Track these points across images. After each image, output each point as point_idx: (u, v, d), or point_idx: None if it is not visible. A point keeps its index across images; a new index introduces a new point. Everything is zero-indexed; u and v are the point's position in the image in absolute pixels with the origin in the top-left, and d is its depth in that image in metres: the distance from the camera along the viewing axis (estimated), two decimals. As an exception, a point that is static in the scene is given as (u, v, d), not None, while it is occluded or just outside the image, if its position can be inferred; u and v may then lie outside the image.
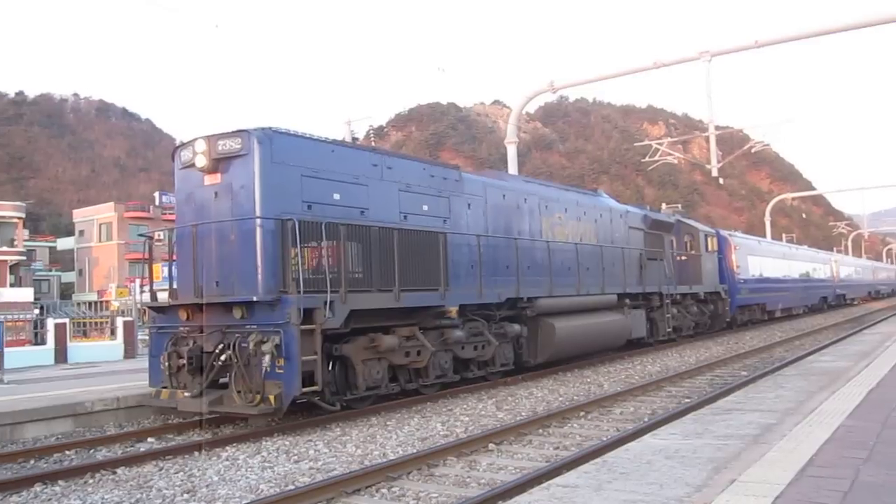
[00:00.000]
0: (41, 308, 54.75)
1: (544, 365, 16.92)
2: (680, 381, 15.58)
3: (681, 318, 24.37)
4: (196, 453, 9.78)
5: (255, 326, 10.70)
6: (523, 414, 12.04)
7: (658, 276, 22.73)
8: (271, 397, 10.35)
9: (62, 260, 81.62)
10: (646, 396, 13.66)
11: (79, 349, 26.64)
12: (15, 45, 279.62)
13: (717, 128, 26.92)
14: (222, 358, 10.75)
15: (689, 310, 25.32)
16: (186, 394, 11.12)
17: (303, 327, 10.56)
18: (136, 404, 12.45)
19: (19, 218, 68.02)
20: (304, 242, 10.96)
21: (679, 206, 37.95)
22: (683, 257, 25.48)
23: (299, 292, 10.58)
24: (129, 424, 12.20)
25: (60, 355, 25.65)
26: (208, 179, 11.55)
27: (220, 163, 11.36)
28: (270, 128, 11.40)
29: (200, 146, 11.37)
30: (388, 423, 11.58)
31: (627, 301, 20.42)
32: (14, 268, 65.84)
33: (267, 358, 10.33)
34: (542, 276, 16.72)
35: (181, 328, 11.63)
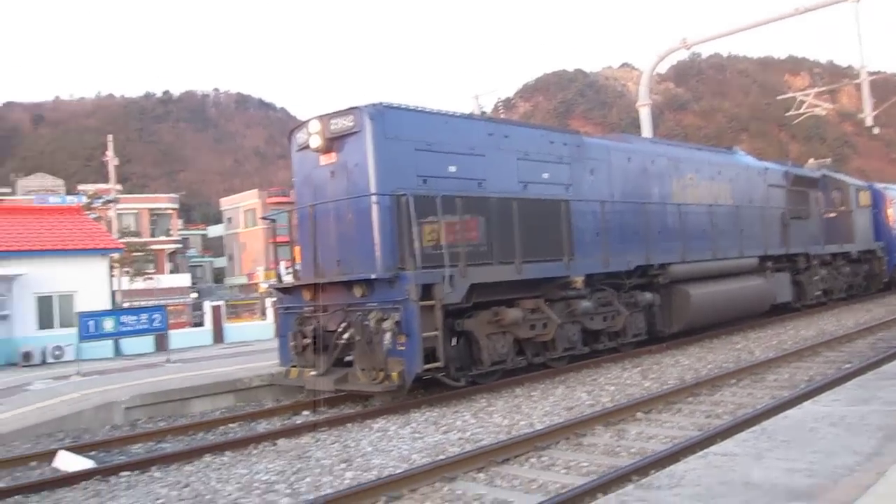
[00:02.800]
0: (197, 292, 58.29)
1: (680, 334, 16.14)
2: (838, 345, 14.61)
3: (831, 280, 22.71)
4: (349, 425, 10.09)
5: (375, 304, 10.66)
6: (670, 382, 11.67)
7: (803, 235, 21.20)
8: (394, 374, 10.30)
9: (213, 246, 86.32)
10: (801, 362, 12.87)
11: (234, 329, 28.08)
12: (159, 47, 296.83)
13: (869, 73, 24.77)
14: (345, 336, 10.80)
15: (841, 270, 23.53)
16: (313, 372, 11.25)
17: (422, 303, 10.42)
18: (268, 383, 12.78)
19: (173, 209, 72.61)
20: (421, 217, 10.80)
21: (828, 160, 35.31)
22: (832, 214, 23.63)
23: (417, 268, 10.45)
24: (285, 398, 12.68)
25: (218, 335, 27.14)
26: (324, 159, 11.59)
27: (334, 142, 11.37)
28: (381, 103, 11.27)
29: (314, 126, 11.40)
30: (533, 393, 11.53)
31: (769, 264, 19.16)
32: (171, 256, 70.42)
33: (388, 335, 10.28)
34: (674, 241, 15.89)
35: (305, 308, 11.78)
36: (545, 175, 13.41)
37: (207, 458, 8.79)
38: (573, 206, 13.42)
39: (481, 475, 7.22)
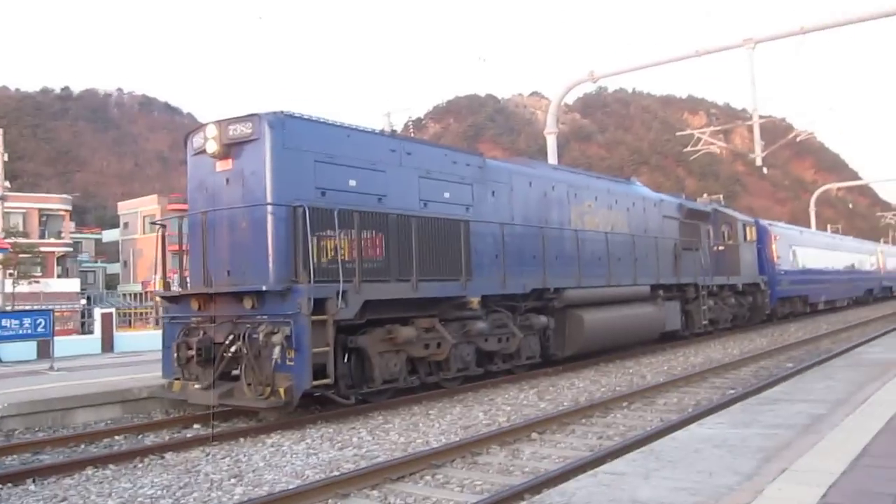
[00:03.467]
0: (88, 299, 55.70)
1: (573, 358, 16.39)
2: (724, 372, 15.28)
3: (718, 311, 23.58)
4: (241, 440, 9.89)
5: (265, 317, 10.36)
6: (566, 404, 11.91)
7: (694, 266, 21.97)
8: (281, 390, 10.00)
9: (107, 251, 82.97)
10: (689, 387, 13.37)
11: (125, 338, 26.86)
12: (60, 41, 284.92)
13: (760, 117, 26.03)
14: (232, 349, 10.44)
15: (727, 301, 24.49)
16: (197, 386, 10.83)
17: (314, 318, 10.18)
18: (148, 396, 12.25)
19: (66, 211, 69.21)
20: (317, 230, 10.59)
21: (720, 197, 36.88)
22: (721, 247, 24.61)
23: (310, 282, 10.22)
24: (176, 411, 12.22)
25: (107, 344, 25.86)
26: (220, 165, 11.23)
27: (231, 148, 11.04)
28: (283, 111, 11.04)
29: (211, 131, 11.05)
30: (430, 412, 11.55)
31: (661, 292, 19.74)
32: (61, 259, 67.06)
33: (277, 350, 9.98)
34: (571, 266, 16.16)
35: (193, 318, 11.35)
36: (446, 194, 13.41)
37: (89, 471, 8.45)
38: (473, 226, 13.45)
39: (375, 492, 7.23)
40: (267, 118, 10.77)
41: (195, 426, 11.05)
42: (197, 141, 11.63)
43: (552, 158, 24.49)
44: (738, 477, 5.25)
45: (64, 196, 71.87)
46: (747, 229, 26.68)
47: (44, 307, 32.03)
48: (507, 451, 8.75)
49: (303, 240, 10.30)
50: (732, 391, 12.57)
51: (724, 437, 6.64)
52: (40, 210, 66.47)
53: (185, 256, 12.36)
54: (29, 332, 17.60)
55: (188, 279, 12.10)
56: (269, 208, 10.49)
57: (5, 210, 45.50)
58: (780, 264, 29.58)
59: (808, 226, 52.00)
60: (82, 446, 10.04)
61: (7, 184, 45.94)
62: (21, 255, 46.30)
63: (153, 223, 14.61)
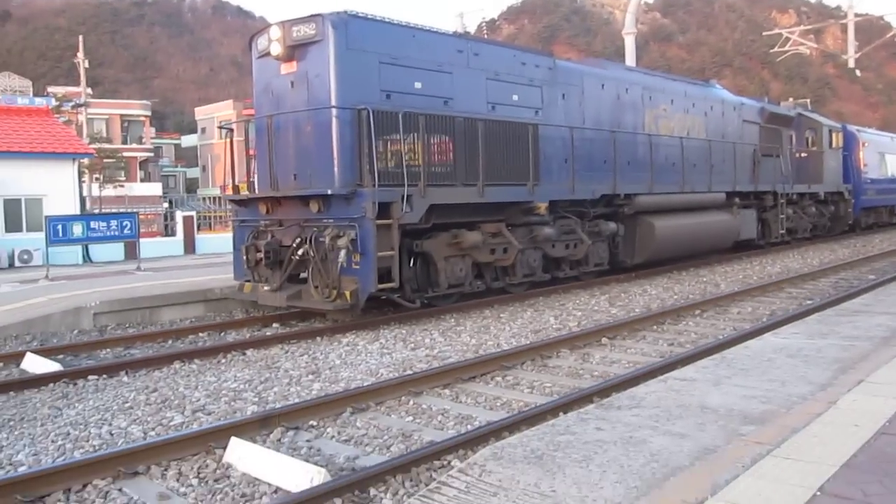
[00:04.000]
0: (169, 202, 57.51)
1: (643, 266, 16.14)
2: (802, 282, 14.94)
3: (796, 220, 22.78)
4: (318, 339, 10.13)
5: (331, 220, 10.43)
6: (637, 310, 11.86)
7: (773, 173, 21.12)
8: (347, 293, 10.15)
9: (186, 156, 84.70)
10: (765, 297, 13.16)
11: (205, 241, 27.73)
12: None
13: (856, 15, 24.40)
14: (300, 252, 10.58)
15: (807, 211, 23.61)
16: (266, 287, 11.07)
17: (379, 222, 10.20)
18: (221, 297, 12.61)
19: (146, 116, 70.82)
20: (382, 133, 10.49)
21: (808, 101, 35.12)
22: (803, 154, 23.54)
23: (375, 186, 10.19)
24: (255, 311, 12.59)
25: (189, 246, 26.79)
26: (284, 68, 11.14)
27: (295, 50, 10.91)
28: (346, 11, 10.78)
29: (275, 33, 10.93)
30: (502, 315, 11.60)
31: (737, 200, 19.12)
32: (143, 164, 69.10)
33: (342, 253, 10.08)
34: (643, 172, 15.71)
35: (262, 222, 11.51)
36: (515, 97, 13.06)
37: (176, 364, 8.82)
38: (542, 130, 13.13)
39: (447, 391, 7.33)
40: (330, 18, 10.56)
41: (274, 325, 11.42)
42: (262, 43, 11.52)
43: (630, 60, 23.58)
44: (811, 387, 5.11)
45: (144, 102, 73.32)
46: (833, 135, 25.36)
47: (129, 210, 33.27)
48: (576, 354, 8.78)
49: (367, 143, 10.21)
50: (810, 302, 12.29)
51: (799, 347, 6.46)
52: (122, 116, 68.16)
53: (252, 161, 12.46)
54: (116, 233, 18.35)
55: (256, 183, 12.22)
56: (334, 111, 10.40)
57: (88, 116, 46.73)
58: (867, 172, 28.15)
59: (901, 131, 49.27)
60: (169, 342, 10.51)
61: (89, 90, 47.00)
62: (105, 160, 47.71)
63: (220, 127, 14.73)
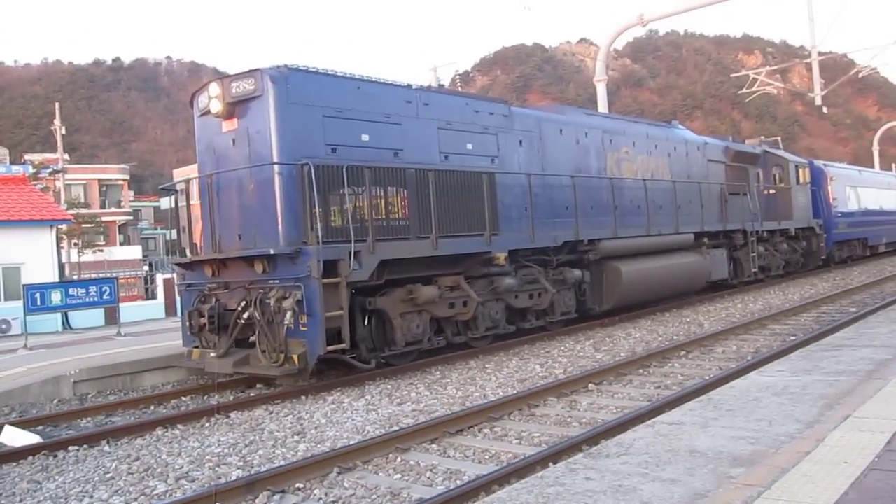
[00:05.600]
0: (150, 265, 56.81)
1: (612, 312, 15.75)
2: (784, 318, 14.96)
3: (768, 257, 22.54)
4: (303, 398, 9.96)
5: (277, 281, 10.00)
6: (622, 354, 11.89)
7: (741, 212, 20.92)
8: (295, 357, 9.68)
9: (166, 218, 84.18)
10: (748, 335, 13.14)
11: (187, 302, 27.13)
12: (109, 12, 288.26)
13: (819, 53, 24.60)
14: (245, 315, 10.12)
15: (778, 247, 23.37)
16: (213, 354, 10.56)
17: (326, 281, 9.77)
18: (167, 365, 12.10)
19: (124, 180, 70.57)
20: (327, 188, 10.13)
21: (778, 139, 35.39)
22: (771, 191, 23.44)
23: (319, 243, 9.79)
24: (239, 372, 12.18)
25: (171, 308, 26.20)
26: (226, 125, 10.83)
27: (236, 107, 10.61)
28: (286, 65, 10.52)
29: (214, 90, 10.64)
30: (487, 365, 11.61)
31: (706, 240, 18.85)
32: (122, 227, 68.64)
33: (288, 315, 9.64)
34: (606, 216, 15.43)
35: (207, 285, 11.06)
36: (469, 146, 12.79)
37: (159, 431, 8.68)
38: (498, 178, 12.83)
39: (434, 446, 7.32)
40: (269, 73, 10.28)
41: (258, 385, 11.16)
42: (202, 101, 11.22)
43: (602, 106, 23.59)
44: (798, 425, 5.10)
45: (122, 166, 73.20)
46: (800, 171, 25.29)
47: (109, 275, 32.72)
48: (564, 402, 8.77)
49: (310, 199, 9.84)
50: (793, 338, 12.26)
51: (785, 385, 6.45)
52: (100, 180, 67.89)
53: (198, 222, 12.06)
54: (96, 299, 17.98)
55: (200, 245, 11.81)
56: (276, 168, 10.06)
57: (66, 182, 46.34)
58: (836, 206, 28.11)
59: (872, 166, 49.71)
60: (151, 408, 10.31)
61: (66, 156, 46.72)
62: (84, 226, 47.20)
63: (162, 188, 14.38)
